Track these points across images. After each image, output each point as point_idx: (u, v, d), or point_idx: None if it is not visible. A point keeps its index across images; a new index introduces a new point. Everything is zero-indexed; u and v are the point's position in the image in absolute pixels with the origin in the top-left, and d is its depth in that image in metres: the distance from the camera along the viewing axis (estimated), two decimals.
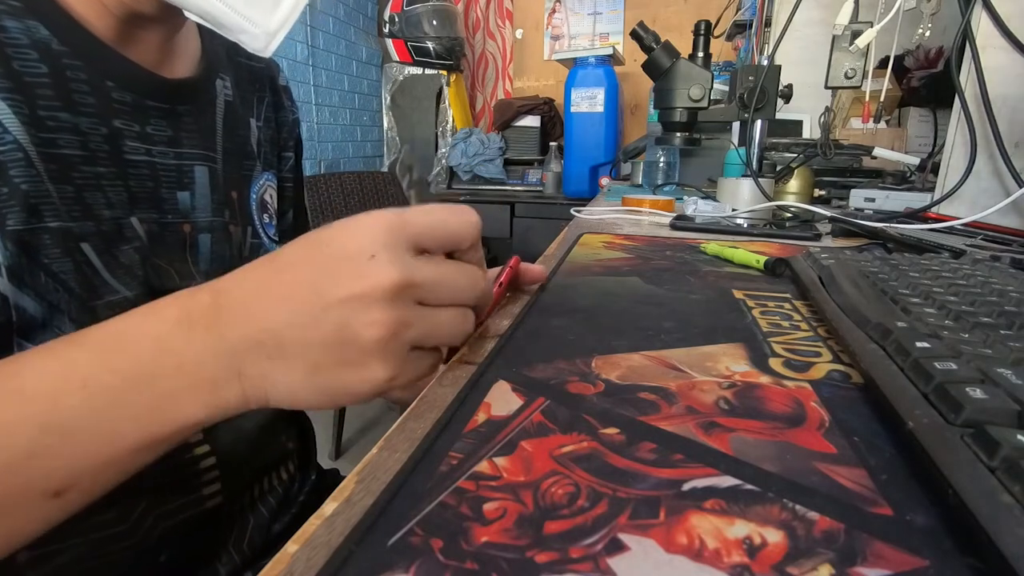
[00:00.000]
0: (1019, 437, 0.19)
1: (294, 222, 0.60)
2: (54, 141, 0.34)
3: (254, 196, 0.50)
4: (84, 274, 0.35)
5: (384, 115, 3.05)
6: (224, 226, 0.45)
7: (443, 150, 2.84)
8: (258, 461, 0.47)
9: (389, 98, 3.02)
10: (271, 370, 0.24)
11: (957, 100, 0.70)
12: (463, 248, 0.27)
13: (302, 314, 0.24)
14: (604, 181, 2.03)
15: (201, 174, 0.43)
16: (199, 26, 0.45)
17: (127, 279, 0.37)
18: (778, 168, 0.94)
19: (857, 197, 0.93)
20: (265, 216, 0.51)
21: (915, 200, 0.85)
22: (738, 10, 1.76)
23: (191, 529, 0.41)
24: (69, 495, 0.22)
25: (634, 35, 0.89)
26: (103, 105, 0.37)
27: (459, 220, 0.27)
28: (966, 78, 0.69)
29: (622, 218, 0.93)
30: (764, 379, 0.31)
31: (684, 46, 0.91)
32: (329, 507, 0.20)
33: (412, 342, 0.26)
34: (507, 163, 2.74)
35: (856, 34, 0.80)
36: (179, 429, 0.24)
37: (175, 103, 0.42)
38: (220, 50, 0.48)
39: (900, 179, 1.12)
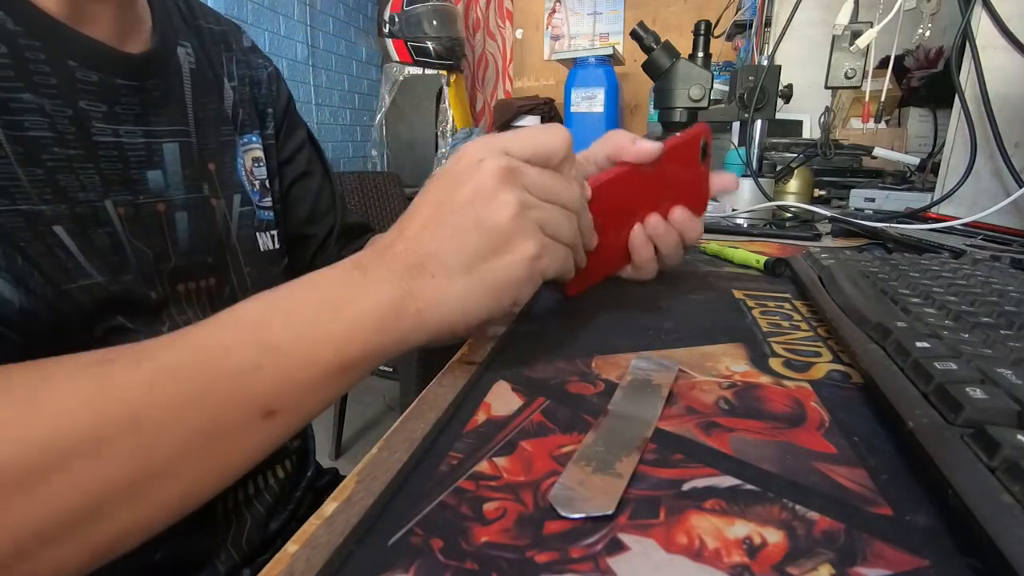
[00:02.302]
0: (1019, 437, 0.19)
1: (321, 180, 0.59)
2: (19, 123, 0.33)
3: (240, 163, 0.49)
4: (57, 258, 0.34)
5: (379, 115, 3.05)
6: (203, 201, 0.44)
7: (443, 150, 2.84)
8: None
9: (389, 98, 3.02)
10: (438, 286, 0.27)
11: (957, 100, 0.70)
12: (554, 162, 0.31)
13: (445, 228, 0.28)
14: None
15: (171, 151, 0.42)
16: None
17: (101, 263, 0.36)
18: (778, 168, 0.94)
19: (857, 197, 0.93)
20: (255, 181, 0.50)
21: (915, 200, 0.85)
22: (738, 10, 1.76)
23: (185, 527, 0.41)
24: (277, 418, 0.24)
25: (634, 35, 0.89)
26: (67, 86, 0.36)
27: (548, 135, 0.31)
28: (966, 78, 0.69)
29: None
30: (764, 379, 0.31)
31: (684, 46, 0.91)
32: (329, 507, 0.20)
33: (540, 221, 0.29)
34: None
35: (856, 34, 0.80)
36: (367, 354, 0.26)
37: (143, 79, 0.41)
38: (175, 18, 0.47)
39: (900, 179, 1.12)
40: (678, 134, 0.38)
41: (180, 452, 0.23)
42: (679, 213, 0.40)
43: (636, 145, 0.37)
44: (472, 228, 0.27)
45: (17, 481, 0.20)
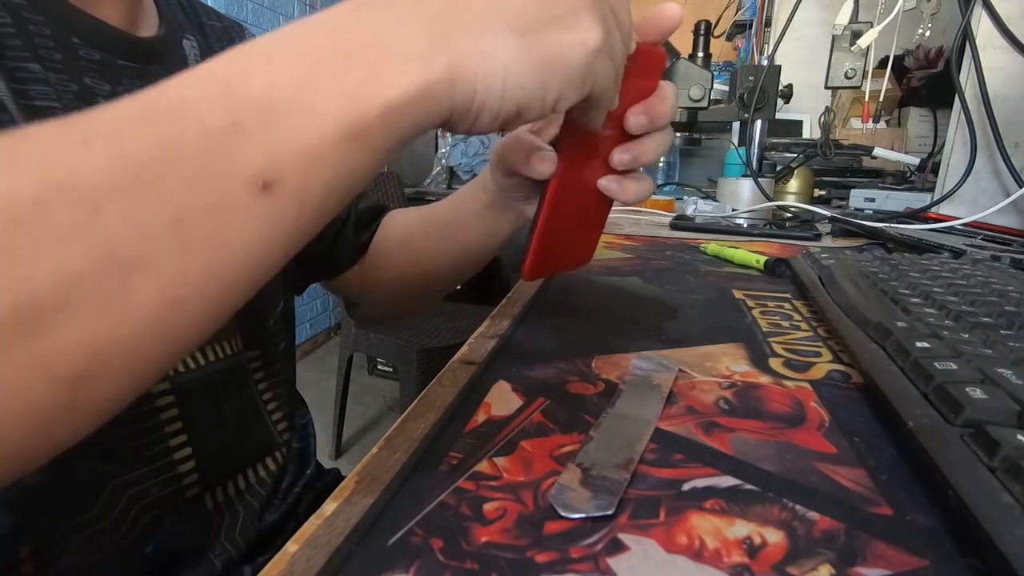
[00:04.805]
0: (1019, 437, 0.19)
1: None
2: (27, 92, 0.33)
3: None
4: None
5: None
6: None
7: (443, 150, 2.84)
8: (238, 450, 0.47)
9: None
10: (480, 35, 0.22)
11: (957, 100, 0.70)
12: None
13: None
14: None
15: None
16: None
17: None
18: (778, 168, 0.94)
19: (857, 197, 0.93)
20: None
21: (915, 200, 0.85)
22: (738, 10, 1.76)
23: (175, 520, 0.41)
24: (276, 194, 0.19)
25: None
26: (71, 62, 0.36)
27: None
28: (966, 78, 0.69)
29: (622, 218, 0.93)
30: (764, 379, 0.31)
31: (684, 46, 0.91)
32: (329, 507, 0.20)
33: (613, 12, 0.24)
34: None
35: (856, 34, 0.80)
36: (386, 112, 0.20)
37: (146, 62, 0.41)
38: (179, 13, 0.48)
39: (900, 179, 1.12)
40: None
41: (139, 234, 0.17)
42: (634, 119, 0.33)
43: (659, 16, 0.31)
44: None
45: None
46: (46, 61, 0.35)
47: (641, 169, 0.36)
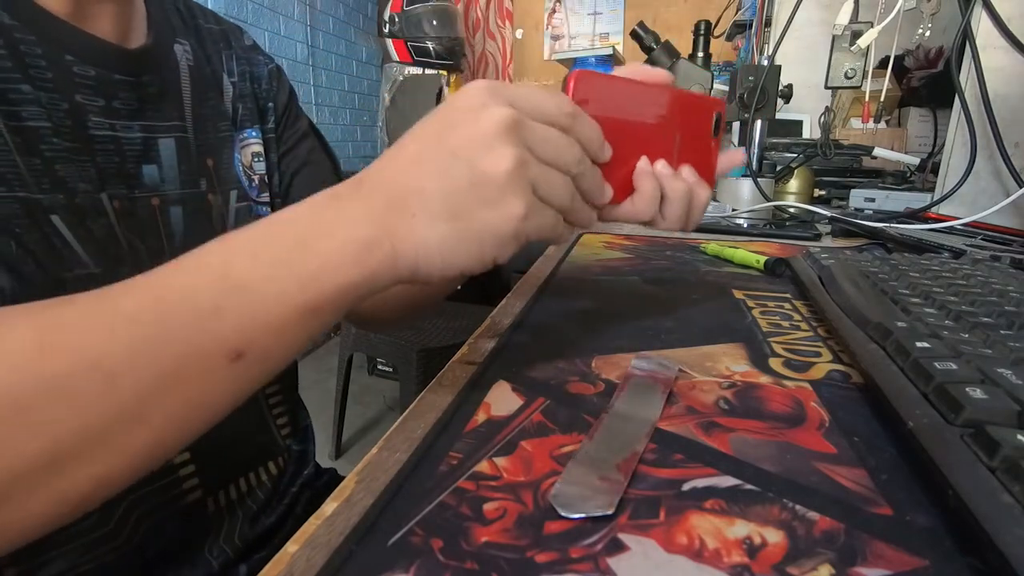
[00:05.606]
0: (1019, 437, 0.19)
1: (327, 173, 0.58)
2: (17, 113, 0.34)
3: (238, 158, 0.49)
4: (54, 246, 0.34)
5: (381, 117, 3.05)
6: (200, 196, 0.45)
7: None
8: (237, 456, 0.47)
9: (389, 98, 3.02)
10: (418, 225, 0.26)
11: (957, 100, 0.70)
12: (561, 122, 0.29)
13: (434, 167, 0.26)
14: None
15: (167, 146, 0.43)
16: None
17: (99, 254, 0.37)
18: (778, 168, 0.94)
19: (857, 197, 0.93)
20: (253, 176, 0.50)
21: (915, 200, 0.85)
22: (738, 10, 1.76)
23: (175, 525, 0.41)
24: (246, 359, 0.24)
25: (634, 35, 0.89)
26: (63, 80, 0.36)
27: (549, 94, 0.29)
28: (966, 78, 0.69)
29: None
30: (764, 379, 0.31)
31: (684, 46, 0.91)
32: (329, 507, 0.20)
33: (534, 182, 0.27)
34: None
35: (856, 34, 0.80)
36: (338, 292, 0.25)
37: (138, 74, 0.41)
38: (174, 17, 0.48)
39: (900, 179, 1.12)
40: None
41: (145, 397, 0.22)
42: (688, 171, 0.36)
43: (644, 68, 0.35)
44: (464, 173, 0.26)
45: None
46: (37, 81, 0.35)
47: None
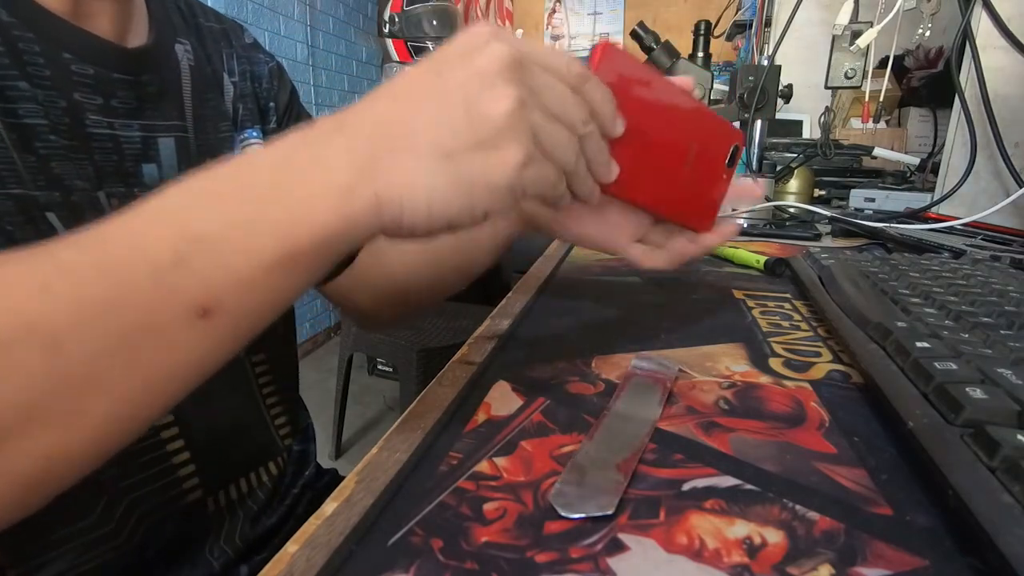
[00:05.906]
0: (1019, 437, 0.19)
1: None
2: (14, 111, 0.34)
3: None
4: None
5: None
6: None
7: None
8: (238, 456, 0.47)
9: None
10: (404, 164, 0.23)
11: (957, 100, 0.70)
12: (570, 80, 0.26)
13: (427, 103, 0.23)
14: None
15: (167, 145, 0.42)
16: None
17: None
18: (778, 168, 0.94)
19: (857, 197, 0.93)
20: None
21: (915, 200, 0.85)
22: (738, 10, 1.76)
23: (175, 525, 0.41)
24: (214, 318, 0.21)
25: (634, 35, 0.89)
26: (62, 78, 0.36)
27: (561, 53, 0.26)
28: (966, 78, 0.69)
29: None
30: (764, 379, 0.31)
31: (684, 46, 0.91)
32: (329, 507, 0.20)
33: (535, 129, 0.25)
34: None
35: (856, 34, 0.80)
36: (315, 243, 0.22)
37: (138, 73, 0.41)
38: (175, 16, 0.47)
39: (900, 179, 1.12)
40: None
41: (95, 363, 0.20)
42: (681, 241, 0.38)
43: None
44: (459, 110, 0.23)
45: None
46: (34, 78, 0.35)
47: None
